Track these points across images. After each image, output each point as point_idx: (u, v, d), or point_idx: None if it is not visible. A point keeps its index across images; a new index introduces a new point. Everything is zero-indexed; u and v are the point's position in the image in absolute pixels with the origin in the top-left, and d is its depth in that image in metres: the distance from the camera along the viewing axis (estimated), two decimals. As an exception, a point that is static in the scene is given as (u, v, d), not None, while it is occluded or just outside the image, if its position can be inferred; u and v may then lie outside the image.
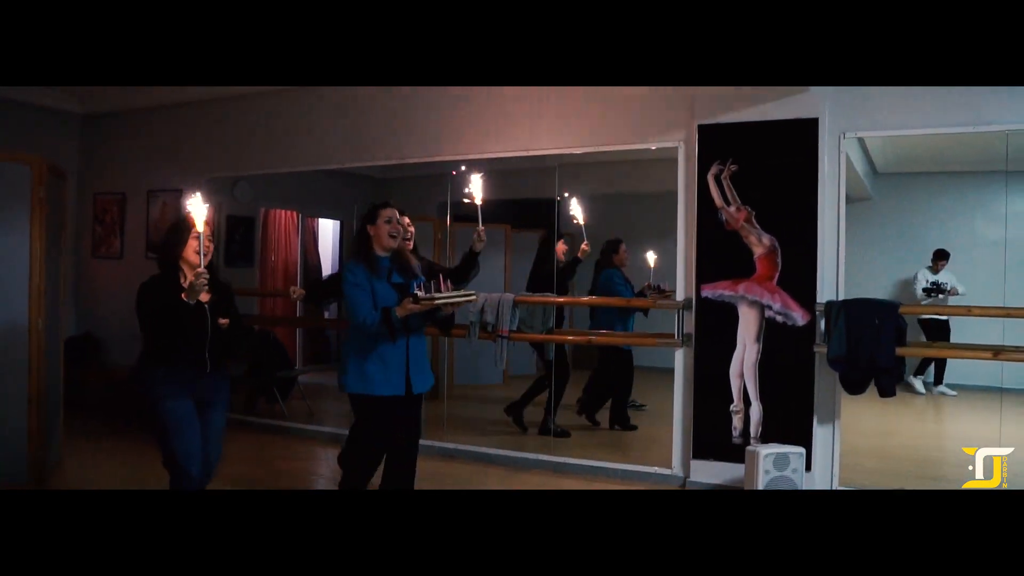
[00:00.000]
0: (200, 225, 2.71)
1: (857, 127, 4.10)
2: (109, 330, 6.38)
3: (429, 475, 4.38)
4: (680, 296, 4.44)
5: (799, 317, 4.11)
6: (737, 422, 4.25)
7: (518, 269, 6.05)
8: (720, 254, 4.27)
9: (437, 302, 2.93)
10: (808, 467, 4.03)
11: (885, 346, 3.79)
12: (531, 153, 4.74)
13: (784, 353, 4.14)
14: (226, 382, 3.08)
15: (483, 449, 4.92)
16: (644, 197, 5.84)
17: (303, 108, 5.63)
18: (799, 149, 4.10)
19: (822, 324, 4.04)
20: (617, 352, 5.31)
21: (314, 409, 6.26)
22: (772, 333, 4.16)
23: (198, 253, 2.77)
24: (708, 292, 4.29)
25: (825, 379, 4.07)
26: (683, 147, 4.43)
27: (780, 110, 4.12)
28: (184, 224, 2.89)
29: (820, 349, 4.02)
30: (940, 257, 6.56)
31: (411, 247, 3.60)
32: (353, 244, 3.12)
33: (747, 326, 4.22)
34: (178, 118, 6.18)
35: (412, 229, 3.75)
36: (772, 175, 4.17)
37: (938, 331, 5.98)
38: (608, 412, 5.43)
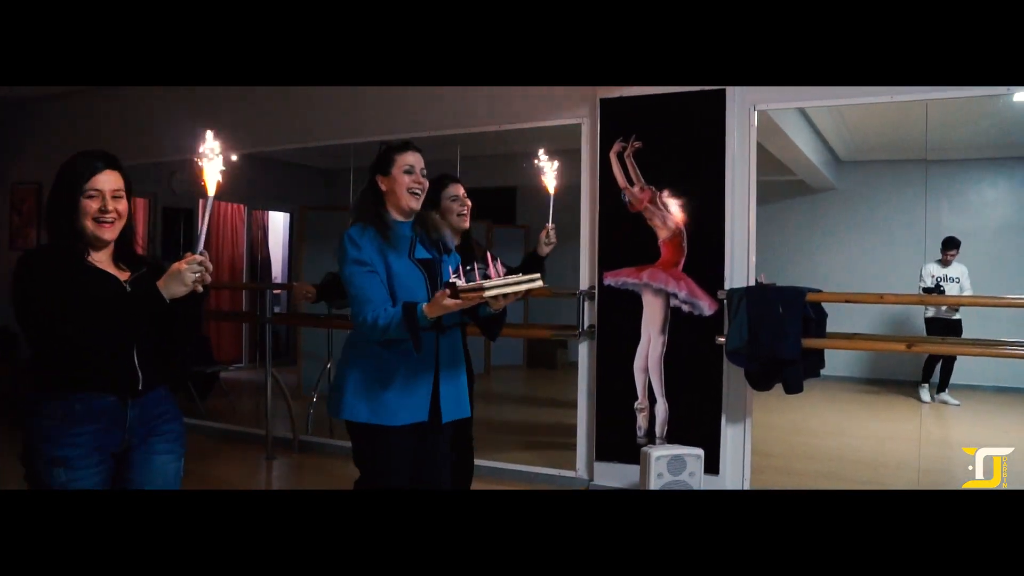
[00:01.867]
0: (211, 189, 1.77)
1: (768, 99, 3.75)
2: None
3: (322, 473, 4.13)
4: (583, 285, 4.11)
5: (706, 306, 3.77)
6: (642, 421, 3.91)
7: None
8: (623, 238, 3.93)
9: (487, 293, 1.92)
10: (716, 469, 3.71)
11: (789, 337, 3.44)
12: (429, 134, 4.40)
13: (691, 345, 3.80)
14: (171, 405, 1.95)
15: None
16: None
17: (219, 93, 5.34)
18: (706, 123, 3.76)
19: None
20: None
21: (238, 407, 6.00)
22: (678, 324, 3.82)
23: (98, 221, 1.78)
24: (611, 280, 3.95)
25: (735, 374, 3.73)
26: (587, 123, 4.09)
27: (686, 81, 3.78)
28: (70, 175, 1.80)
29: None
30: (949, 247, 5.76)
31: (467, 225, 2.76)
32: (357, 206, 2.20)
33: (651, 316, 3.88)
34: (97, 102, 5.92)
35: (469, 203, 2.76)
36: (678, 152, 3.83)
37: (949, 332, 5.47)
38: None
